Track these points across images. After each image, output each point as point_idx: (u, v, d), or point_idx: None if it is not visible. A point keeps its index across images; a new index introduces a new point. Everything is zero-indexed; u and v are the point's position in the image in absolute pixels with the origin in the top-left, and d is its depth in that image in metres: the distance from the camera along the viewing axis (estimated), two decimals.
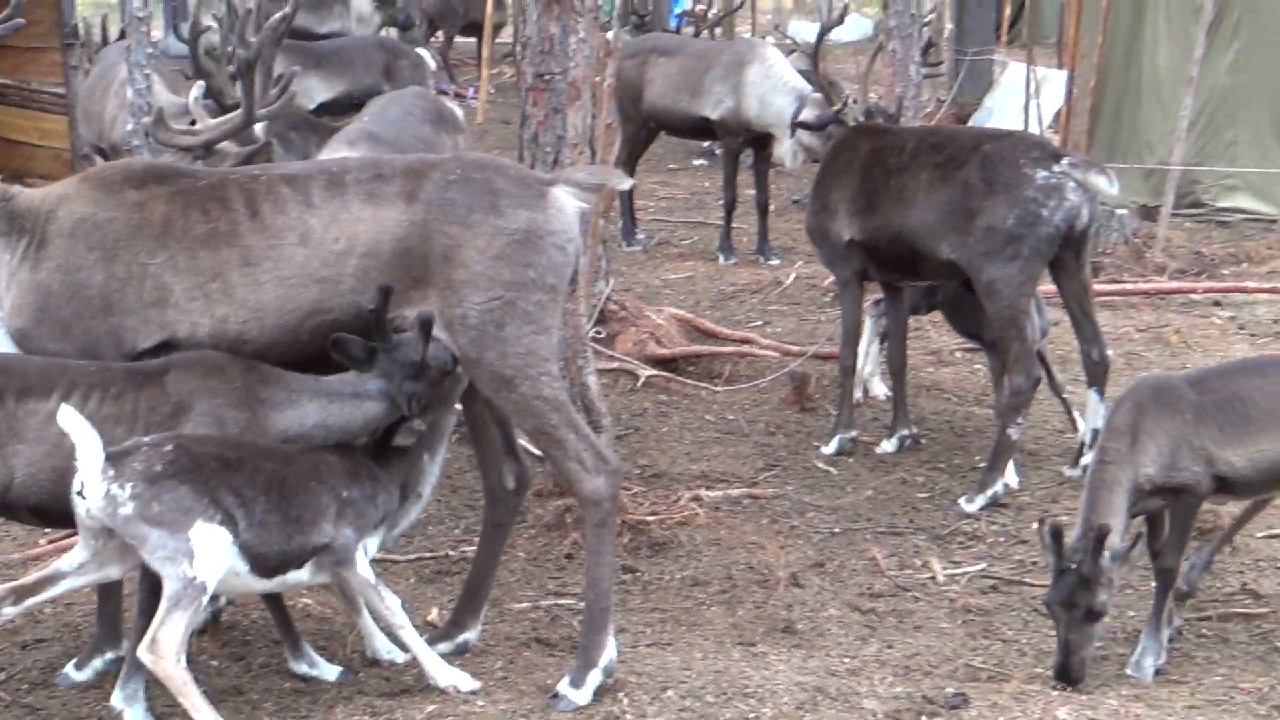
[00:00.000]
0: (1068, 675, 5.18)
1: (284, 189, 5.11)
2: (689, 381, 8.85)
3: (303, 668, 5.21)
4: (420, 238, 4.99)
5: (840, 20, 10.61)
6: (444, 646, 5.37)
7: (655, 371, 8.85)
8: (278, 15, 7.23)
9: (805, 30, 11.61)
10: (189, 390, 4.87)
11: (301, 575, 4.84)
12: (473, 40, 24.55)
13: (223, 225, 5.04)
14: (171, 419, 4.83)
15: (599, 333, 8.81)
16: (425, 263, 4.98)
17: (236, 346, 5.01)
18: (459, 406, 5.44)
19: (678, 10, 24.99)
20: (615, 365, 8.76)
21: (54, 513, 4.72)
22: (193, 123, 7.80)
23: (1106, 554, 5.10)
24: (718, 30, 21.74)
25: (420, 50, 15.07)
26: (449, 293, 4.97)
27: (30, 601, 4.69)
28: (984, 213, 7.14)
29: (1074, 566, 5.12)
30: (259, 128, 8.04)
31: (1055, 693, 5.08)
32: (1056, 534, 5.16)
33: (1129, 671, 5.34)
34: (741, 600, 6.06)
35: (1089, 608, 5.14)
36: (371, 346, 4.92)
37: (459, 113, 9.17)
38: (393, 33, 19.90)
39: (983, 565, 6.47)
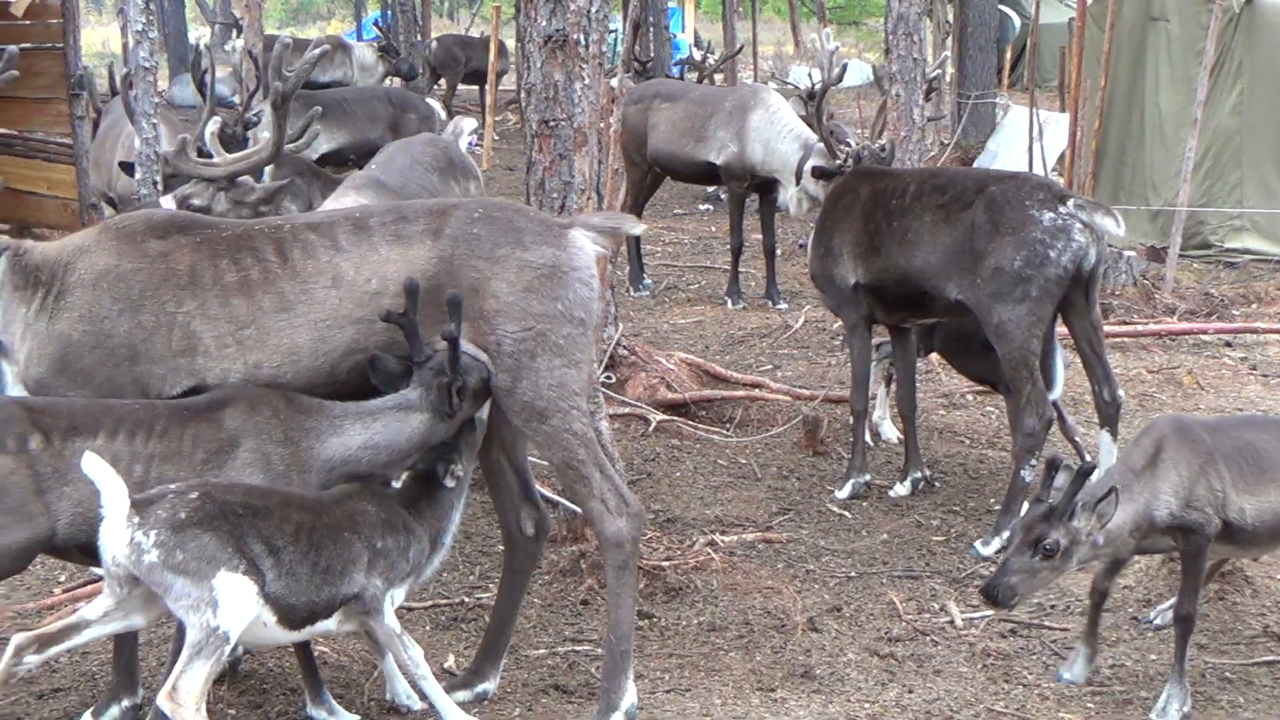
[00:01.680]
0: (992, 594, 5.17)
1: (310, 235, 5.18)
2: (700, 426, 8.84)
3: (321, 715, 5.18)
4: (448, 273, 5.04)
5: (839, 78, 10.64)
6: (463, 695, 5.35)
7: (666, 416, 8.82)
8: (315, 51, 7.29)
9: (807, 77, 11.61)
10: (238, 428, 4.88)
11: (329, 625, 4.82)
12: (475, 88, 24.71)
13: (254, 273, 5.08)
14: (217, 456, 4.84)
15: (609, 378, 8.81)
16: None
17: None
18: None
19: (678, 57, 25.15)
20: (626, 410, 8.74)
21: None
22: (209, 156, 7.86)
23: (1080, 500, 5.10)
24: (718, 76, 21.88)
25: (430, 101, 15.15)
26: (481, 323, 5.04)
27: (53, 650, 4.65)
28: (991, 254, 7.14)
29: (1048, 500, 5.20)
30: (266, 171, 8.11)
31: None
32: (1053, 465, 5.27)
33: (1153, 718, 5.31)
34: (759, 645, 6.03)
35: (1042, 539, 5.13)
36: (406, 361, 4.97)
37: (471, 160, 9.20)
38: (397, 82, 20.02)
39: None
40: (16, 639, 4.61)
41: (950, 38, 20.18)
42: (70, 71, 13.88)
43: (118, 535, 4.43)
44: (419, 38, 26.44)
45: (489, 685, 5.49)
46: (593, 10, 7.02)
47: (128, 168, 9.68)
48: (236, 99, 13.14)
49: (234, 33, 22.16)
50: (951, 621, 6.30)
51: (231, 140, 8.39)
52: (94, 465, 4.44)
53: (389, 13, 27.23)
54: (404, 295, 4.90)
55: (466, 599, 6.44)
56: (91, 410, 4.86)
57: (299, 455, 4.93)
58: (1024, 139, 14.93)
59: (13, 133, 13.91)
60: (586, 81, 7.05)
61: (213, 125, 8.09)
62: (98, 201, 12.53)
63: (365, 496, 4.97)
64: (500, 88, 22.60)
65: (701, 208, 17.49)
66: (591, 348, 5.38)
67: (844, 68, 10.97)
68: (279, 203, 8.09)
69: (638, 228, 5.86)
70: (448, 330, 4.89)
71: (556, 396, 5.07)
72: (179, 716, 4.38)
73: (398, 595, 4.99)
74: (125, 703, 5.19)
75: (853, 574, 6.84)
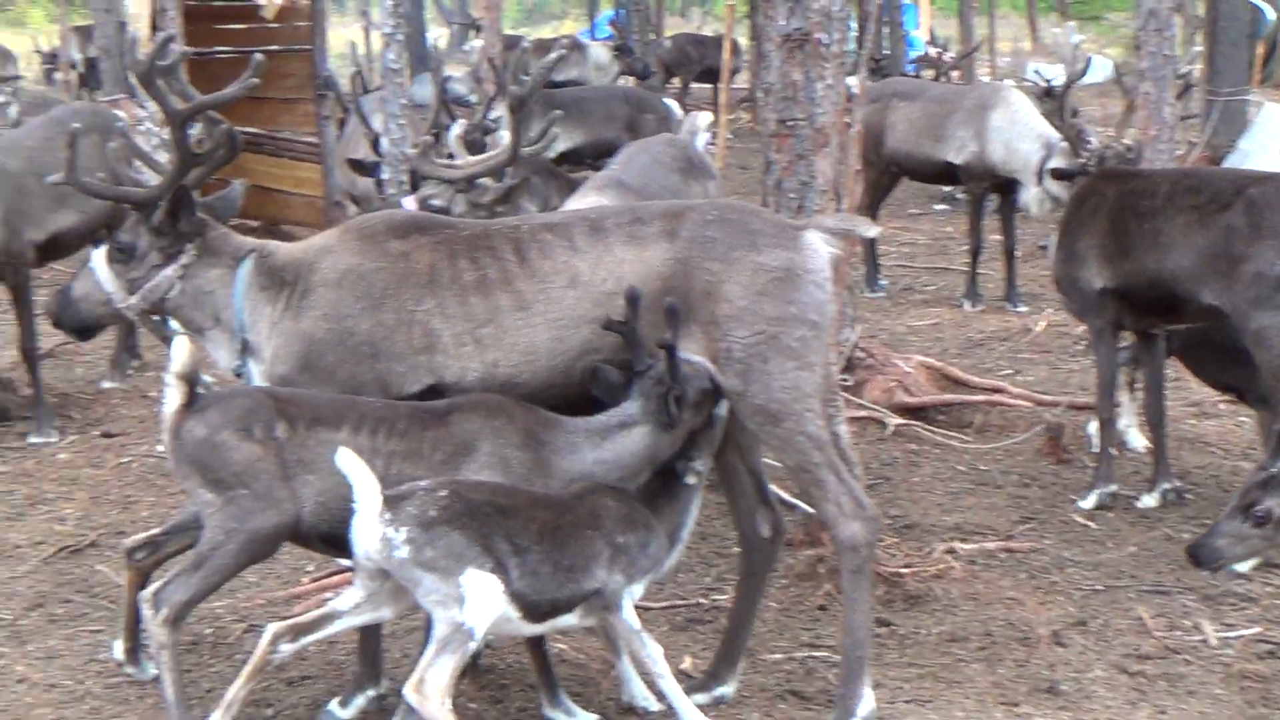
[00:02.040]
0: (1196, 555, 5.33)
1: (547, 235, 5.24)
2: (939, 431, 8.67)
3: (558, 716, 5.21)
4: (683, 275, 5.05)
5: (1083, 72, 10.31)
6: (701, 698, 5.32)
7: (904, 420, 8.68)
8: (552, 56, 7.38)
9: (1045, 73, 11.33)
10: (474, 430, 4.95)
11: (570, 619, 4.86)
12: (709, 86, 24.76)
13: (492, 272, 5.15)
14: (455, 458, 4.91)
15: (846, 380, 8.70)
16: (687, 299, 5.02)
17: (508, 389, 5.11)
18: None
19: (913, 55, 24.79)
20: (863, 414, 8.62)
21: (344, 541, 4.75)
22: (450, 157, 8.00)
23: None
24: (954, 74, 21.51)
25: (668, 101, 15.19)
26: (713, 328, 5.02)
27: (306, 639, 4.79)
28: (1251, 258, 6.86)
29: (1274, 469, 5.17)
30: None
31: None
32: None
33: None
34: (1001, 658, 5.87)
35: (1254, 504, 5.16)
36: (627, 372, 4.99)
37: (709, 159, 9.19)
38: (631, 81, 20.15)
39: (1258, 629, 6.15)
40: (272, 628, 4.75)
41: (1200, 33, 19.49)
42: (317, 73, 14.33)
43: (370, 530, 4.53)
44: (653, 36, 26.59)
45: (727, 689, 5.46)
46: (834, 9, 6.93)
47: (357, 165, 9.96)
48: (474, 99, 13.34)
49: (471, 33, 22.55)
50: (1205, 640, 6.05)
51: (472, 143, 8.52)
52: (348, 460, 4.55)
53: (623, 11, 27.40)
54: (625, 302, 4.90)
55: (703, 600, 6.42)
56: (336, 404, 5.00)
57: (539, 460, 4.97)
58: (1278, 138, 14.33)
59: (262, 132, 14.41)
60: (829, 81, 6.96)
61: (456, 128, 8.23)
62: (341, 199, 12.89)
63: (606, 492, 4.99)
64: (733, 86, 22.57)
65: (937, 208, 17.20)
66: (826, 350, 5.31)
67: (1087, 63, 10.65)
68: (516, 202, 8.20)
69: (872, 230, 5.78)
70: (665, 339, 4.88)
71: (790, 399, 5.02)
72: (425, 709, 4.47)
73: (637, 591, 5.00)
74: (370, 692, 5.30)
75: (1099, 587, 6.61)
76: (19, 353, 8.59)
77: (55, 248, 8.76)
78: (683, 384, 4.95)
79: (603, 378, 5.04)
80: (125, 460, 7.93)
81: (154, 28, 12.32)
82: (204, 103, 5.74)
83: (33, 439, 8.37)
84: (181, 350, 4.93)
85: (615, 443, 5.01)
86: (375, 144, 9.99)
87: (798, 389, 5.03)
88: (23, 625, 6.19)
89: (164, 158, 5.94)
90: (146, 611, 4.90)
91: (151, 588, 4.95)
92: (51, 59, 24.47)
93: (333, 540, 4.92)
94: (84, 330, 5.91)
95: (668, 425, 4.98)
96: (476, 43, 18.49)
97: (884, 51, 22.64)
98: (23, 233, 8.34)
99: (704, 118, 11.26)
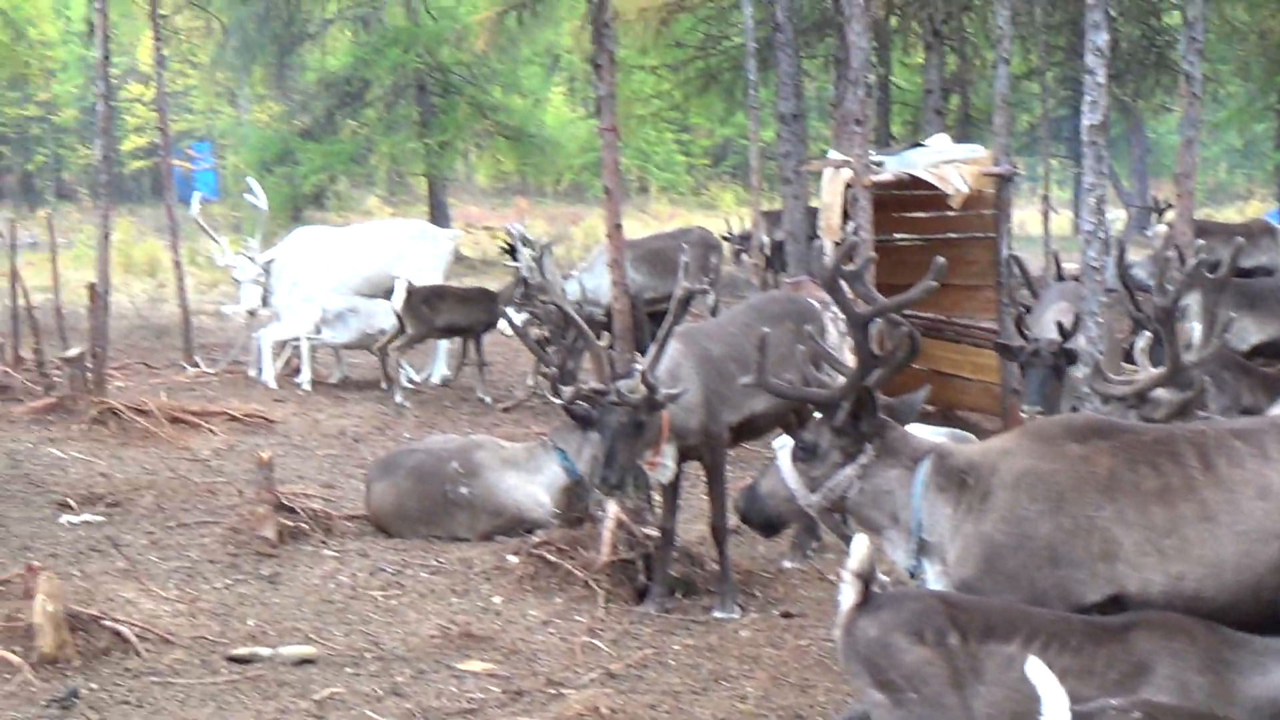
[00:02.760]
0: None
1: (1236, 443, 5.05)
2: None
3: None
4: None
5: None
6: None
7: None
8: (1238, 241, 7.12)
9: None
10: (1152, 651, 4.79)
11: None
12: None
13: (1175, 479, 5.01)
14: (1129, 679, 4.76)
15: None
16: None
17: (1192, 605, 4.91)
18: None
19: None
20: None
21: None
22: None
23: None
24: None
25: None
26: None
27: None
28: None
29: None
30: None
31: None
32: None
33: None
34: None
35: None
36: None
37: None
38: None
39: None
40: None
41: None
42: (999, 260, 14.42)
43: None
44: None
45: None
46: None
47: (1005, 350, 9.90)
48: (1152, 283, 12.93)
49: (1153, 216, 22.03)
50: None
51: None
52: (1038, 672, 4.48)
53: None
54: None
55: None
56: (1008, 614, 4.94)
57: (1221, 686, 4.71)
58: None
59: (941, 318, 14.65)
60: None
61: (1141, 341, 8.04)
62: (1018, 388, 12.81)
63: None
64: None
65: None
66: None
67: None
68: (1189, 415, 7.88)
69: None
70: None
71: None
72: None
73: None
74: None
75: None
76: (709, 528, 9.07)
77: (748, 429, 9.23)
78: None
79: None
80: (804, 642, 8.14)
81: (845, 217, 12.91)
82: (886, 306, 5.96)
83: (717, 613, 8.76)
84: (860, 549, 5.07)
85: None
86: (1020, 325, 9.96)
87: None
88: None
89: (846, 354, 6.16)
90: None
91: None
92: (742, 241, 26.04)
93: None
94: (768, 526, 6.19)
95: None
96: (1160, 226, 18.08)
97: None
98: (720, 415, 8.82)
99: None
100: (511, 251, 17.30)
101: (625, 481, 7.94)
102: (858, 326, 5.87)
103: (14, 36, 29.81)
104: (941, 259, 5.97)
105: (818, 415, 5.87)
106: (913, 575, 5.62)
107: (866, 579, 5.07)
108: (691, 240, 18.86)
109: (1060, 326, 9.84)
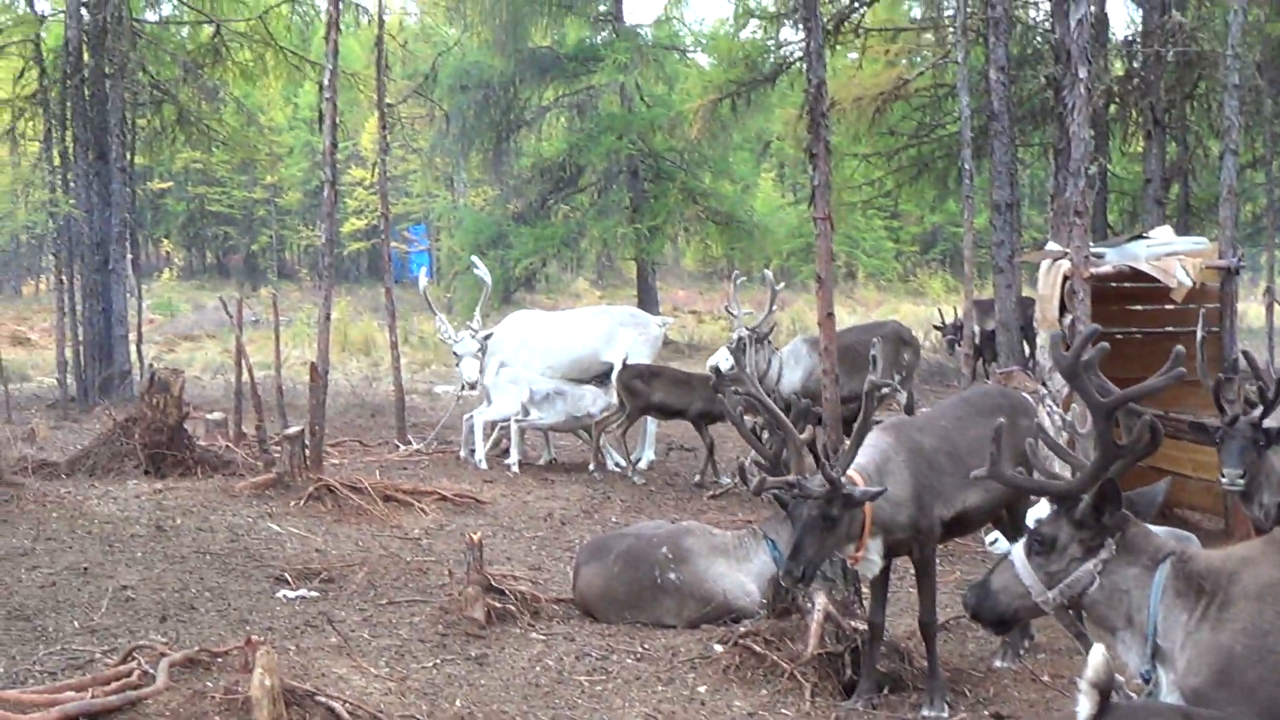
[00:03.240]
0: None
1: None
2: None
3: None
4: None
5: None
6: None
7: None
8: None
9: None
10: None
11: None
12: None
13: None
14: None
15: None
16: None
17: None
18: None
19: None
20: None
21: None
22: None
23: None
24: None
25: None
26: None
27: None
28: None
29: None
30: None
31: None
32: None
33: None
34: None
35: None
36: None
37: None
38: None
39: None
40: None
41: None
42: (1226, 355, 14.00)
43: None
44: None
45: None
46: None
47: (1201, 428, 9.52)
48: None
49: None
50: None
51: None
52: None
53: None
54: None
55: None
56: None
57: None
58: None
59: (1161, 413, 14.22)
60: None
61: None
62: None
63: None
64: None
65: None
66: None
67: None
68: None
69: None
70: None
71: None
72: None
73: None
74: None
75: None
76: (918, 625, 8.88)
77: (961, 524, 9.05)
78: None
79: None
80: None
81: (1062, 309, 12.65)
82: (1127, 395, 5.79)
83: (925, 712, 8.56)
84: (1098, 658, 4.88)
85: None
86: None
87: None
88: None
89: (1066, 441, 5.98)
90: None
91: None
92: (955, 330, 25.77)
93: None
94: (1001, 623, 5.96)
95: None
96: None
97: None
98: (932, 509, 8.66)
99: None
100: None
101: (810, 575, 7.81)
102: (1099, 417, 5.69)
103: (245, 122, 30.99)
104: (1181, 348, 5.79)
105: (1052, 509, 5.68)
106: (1145, 680, 5.39)
107: (1104, 690, 4.87)
108: (885, 334, 18.69)
109: (1247, 398, 9.51)
